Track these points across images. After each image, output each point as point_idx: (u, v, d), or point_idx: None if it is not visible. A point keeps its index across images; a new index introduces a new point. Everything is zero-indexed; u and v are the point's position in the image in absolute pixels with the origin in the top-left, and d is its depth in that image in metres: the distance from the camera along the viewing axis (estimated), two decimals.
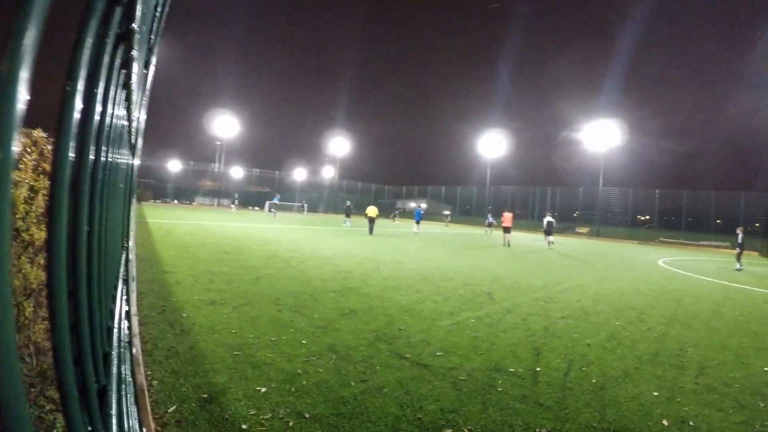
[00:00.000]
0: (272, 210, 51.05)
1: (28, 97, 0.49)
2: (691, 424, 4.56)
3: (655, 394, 5.28)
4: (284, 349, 5.34)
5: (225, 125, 77.53)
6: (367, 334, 6.32)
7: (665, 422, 4.52)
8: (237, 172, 76.89)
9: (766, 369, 6.74)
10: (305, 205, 63.66)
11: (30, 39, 0.49)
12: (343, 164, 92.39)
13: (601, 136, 61.55)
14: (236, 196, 58.25)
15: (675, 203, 56.12)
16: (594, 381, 5.47)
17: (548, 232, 29.93)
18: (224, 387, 4.19)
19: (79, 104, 0.84)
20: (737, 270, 23.12)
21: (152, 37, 2.71)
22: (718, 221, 53.74)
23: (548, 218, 30.41)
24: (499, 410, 4.33)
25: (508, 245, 28.86)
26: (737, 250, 24.08)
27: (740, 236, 24.12)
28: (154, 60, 3.27)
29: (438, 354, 5.80)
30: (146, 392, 3.68)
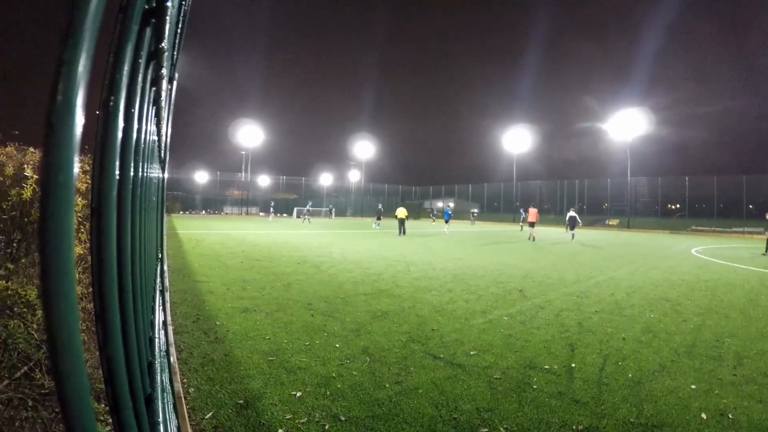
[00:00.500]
0: (306, 216, 51.21)
1: (83, 121, 0.52)
2: (730, 417, 4.48)
3: (693, 387, 5.21)
4: (318, 353, 5.39)
5: (250, 134, 78.30)
6: (400, 336, 6.34)
7: (704, 416, 4.45)
8: (264, 180, 77.22)
9: None
10: (332, 210, 63.30)
11: (83, 66, 0.52)
12: (368, 167, 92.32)
13: (626, 126, 60.79)
14: (273, 204, 57.79)
15: (705, 190, 54.47)
16: (630, 376, 5.43)
17: (571, 227, 30.23)
18: (260, 392, 4.24)
19: (120, 124, 0.88)
20: (763, 255, 22.95)
21: (175, 53, 2.76)
22: (750, 206, 51.87)
23: (571, 213, 30.89)
24: (535, 408, 4.32)
25: (533, 240, 29.11)
26: (767, 235, 23.83)
27: None
28: (176, 75, 3.33)
29: (472, 353, 5.80)
30: (183, 399, 3.74)
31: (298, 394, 4.24)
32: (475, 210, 65.32)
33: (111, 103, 0.83)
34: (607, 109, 66.14)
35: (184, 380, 4.40)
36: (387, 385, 4.54)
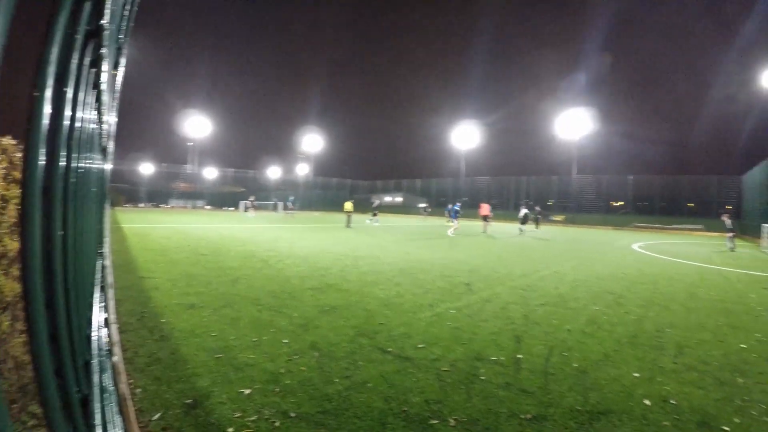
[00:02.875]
0: (289, 210, 51.28)
1: None
2: (672, 402, 4.63)
3: (636, 375, 5.35)
4: (266, 350, 5.30)
5: (197, 125, 76.35)
6: (348, 330, 6.31)
7: (647, 402, 4.60)
8: (211, 173, 75.46)
9: (743, 346, 6.86)
10: (293, 202, 57.26)
11: None
12: (317, 160, 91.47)
13: (573, 125, 63.57)
14: (253, 198, 54.60)
15: (648, 189, 58.17)
16: (575, 365, 5.54)
17: (523, 222, 30.78)
18: (208, 391, 4.14)
19: (48, 107, 0.81)
20: (731, 250, 24.04)
21: (121, 36, 2.65)
22: (690, 205, 55.53)
23: (524, 209, 31.49)
24: (484, 399, 4.36)
25: (486, 233, 29.88)
26: (729, 234, 24.93)
27: (728, 222, 24.94)
28: (123, 60, 3.19)
29: (420, 346, 5.81)
30: (130, 401, 3.63)
31: (247, 391, 4.15)
32: (424, 204, 65.49)
33: (38, 83, 0.77)
34: (555, 109, 67.78)
35: (130, 381, 4.27)
36: (336, 380, 4.50)
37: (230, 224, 30.54)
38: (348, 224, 31.70)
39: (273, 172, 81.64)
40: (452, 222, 27.43)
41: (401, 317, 7.23)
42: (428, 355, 5.52)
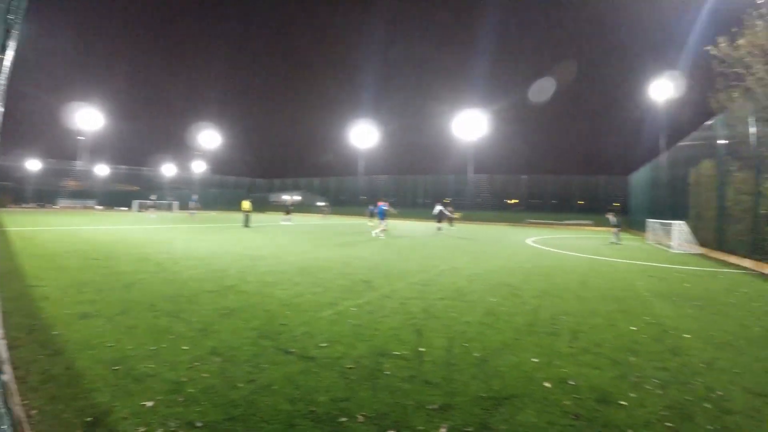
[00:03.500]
0: (192, 211, 49.04)
1: None
2: (571, 383, 4.93)
3: (535, 360, 5.62)
4: (166, 358, 5.13)
5: (87, 118, 70.47)
6: (249, 333, 6.22)
7: (548, 384, 4.85)
8: (102, 170, 70.60)
9: (632, 328, 7.35)
10: (193, 203, 53.29)
11: None
12: (214, 158, 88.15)
13: (469, 126, 66.11)
14: (195, 198, 51.74)
15: (540, 187, 63.22)
16: (476, 355, 5.73)
17: (439, 219, 31.11)
18: (108, 407, 3.95)
19: None
20: (616, 243, 26.00)
21: (11, 16, 2.49)
22: (580, 202, 60.75)
23: (439, 207, 32.46)
24: (390, 393, 4.43)
25: (384, 232, 30.05)
26: (614, 230, 27.22)
27: (612, 220, 27.39)
28: (13, 44, 2.95)
29: (323, 345, 5.83)
30: (26, 424, 3.46)
31: (150, 403, 4.00)
32: (323, 203, 65.29)
33: None
34: (453, 109, 70.03)
35: (25, 401, 4.04)
36: (240, 385, 4.43)
37: (123, 226, 29.23)
38: (246, 224, 31.16)
39: (168, 170, 77.95)
40: (379, 222, 26.37)
41: (302, 317, 7.21)
42: (332, 353, 5.54)
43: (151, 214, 45.97)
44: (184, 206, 61.33)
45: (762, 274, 14.98)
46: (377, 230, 27.30)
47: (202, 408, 3.96)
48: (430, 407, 4.17)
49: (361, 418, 3.88)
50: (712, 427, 4.07)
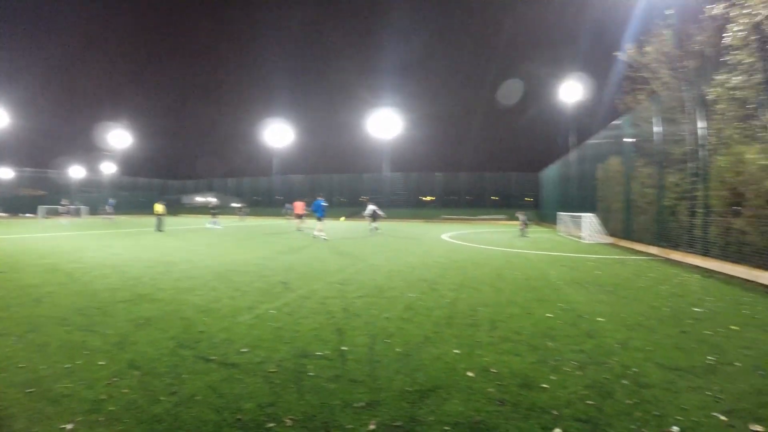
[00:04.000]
0: (109, 216, 46.76)
1: None
2: (493, 371, 5.08)
3: (456, 351, 5.74)
4: (82, 376, 4.87)
5: None
6: (168, 343, 6.03)
7: (470, 374, 4.97)
8: (5, 173, 65.09)
9: (548, 315, 7.64)
10: (109, 208, 51.40)
11: None
12: (124, 159, 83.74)
13: (384, 125, 66.98)
14: (66, 203, 48.60)
15: (455, 184, 66.05)
16: (399, 350, 5.79)
17: (373, 218, 30.85)
18: None
19: None
20: (524, 236, 27.12)
21: None
22: (493, 198, 63.72)
23: (372, 206, 31.64)
24: (316, 394, 4.42)
25: (301, 231, 30.21)
26: (521, 226, 28.36)
27: (522, 218, 28.62)
28: None
29: (243, 351, 5.73)
30: None
31: (69, 426, 3.78)
32: (239, 204, 63.90)
33: None
34: (369, 108, 70.97)
35: None
36: (162, 398, 4.29)
37: (31, 234, 27.61)
38: (159, 228, 30.19)
39: (76, 172, 73.05)
40: (317, 222, 24.21)
41: (221, 323, 7.07)
42: (253, 358, 5.46)
43: (63, 221, 43.08)
44: (94, 211, 58.78)
45: (668, 260, 15.86)
46: (316, 231, 25.32)
47: (124, 426, 3.79)
48: (357, 405, 4.18)
49: (289, 422, 3.84)
50: (631, 402, 4.29)
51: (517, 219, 28.72)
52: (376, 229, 31.20)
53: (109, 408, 4.10)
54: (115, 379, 4.78)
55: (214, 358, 5.47)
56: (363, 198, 50.53)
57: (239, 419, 3.89)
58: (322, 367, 5.17)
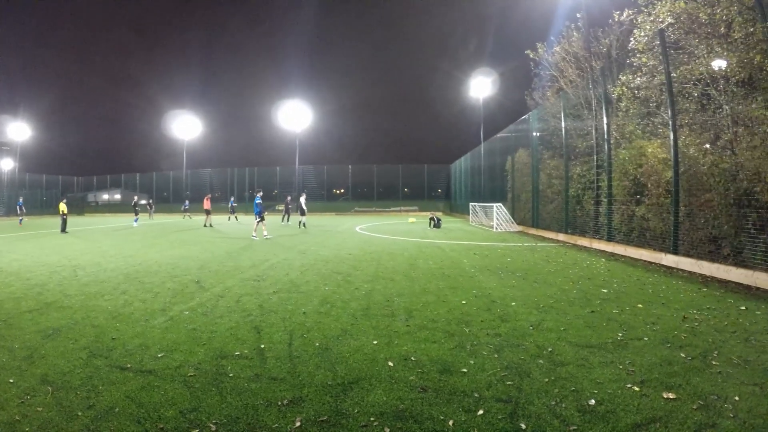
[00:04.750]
0: (21, 217, 42.31)
1: None
2: (413, 359, 5.22)
3: (375, 342, 5.88)
4: None
5: None
6: (80, 353, 5.78)
7: (391, 363, 5.09)
8: None
9: (463, 302, 7.87)
10: (21, 207, 45.14)
11: None
12: (24, 154, 78.41)
13: (294, 117, 66.03)
14: (20, 201, 43.58)
15: (366, 176, 66.79)
16: (317, 344, 5.87)
17: (302, 213, 30.26)
18: None
19: None
20: (436, 227, 27.39)
21: None
22: (405, 190, 65.25)
23: (301, 199, 31.28)
24: (237, 395, 4.40)
25: (211, 226, 30.07)
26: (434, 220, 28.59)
27: (435, 219, 28.75)
28: None
29: (159, 356, 5.61)
30: None
31: None
32: (149, 201, 61.59)
33: None
34: (278, 100, 70.37)
35: None
36: (79, 413, 4.10)
37: None
38: (63, 228, 28.71)
39: None
40: (256, 221, 21.57)
41: (134, 328, 6.87)
42: (170, 363, 5.35)
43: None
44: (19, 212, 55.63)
45: (575, 245, 16.64)
46: (256, 232, 22.50)
47: None
48: (281, 403, 4.19)
49: (213, 427, 3.80)
50: (548, 379, 4.53)
51: (434, 208, 29.28)
52: (304, 224, 30.84)
53: (24, 429, 3.87)
54: (27, 397, 4.51)
55: (129, 365, 5.31)
56: (273, 192, 50.30)
57: (162, 428, 3.80)
58: (242, 367, 5.14)
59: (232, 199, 45.60)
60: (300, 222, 31.20)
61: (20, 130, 73.88)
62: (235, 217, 43.61)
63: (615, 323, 6.54)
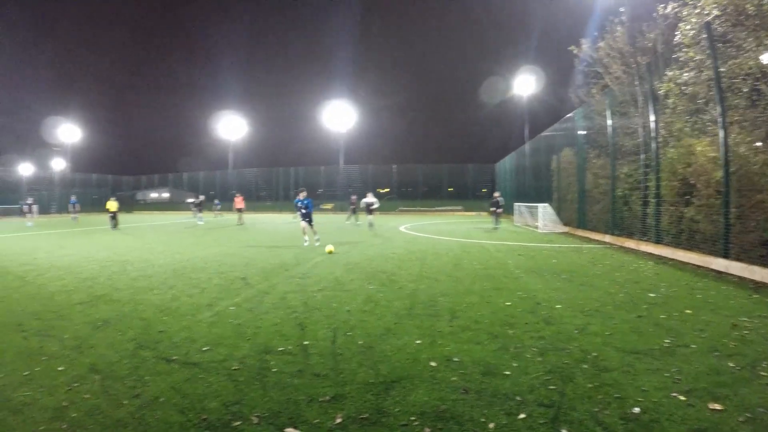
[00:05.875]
0: (74, 215, 43.17)
1: None
2: (455, 360, 5.16)
3: (418, 342, 5.82)
4: (42, 382, 4.75)
5: None
6: (127, 344, 5.93)
7: (433, 363, 5.04)
8: None
9: (508, 304, 7.78)
10: (73, 206, 45.06)
11: None
12: (75, 155, 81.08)
13: (339, 117, 66.83)
14: (31, 201, 44.38)
15: (411, 176, 65.49)
16: (361, 342, 5.85)
17: (369, 212, 28.53)
18: None
19: None
20: (495, 229, 26.36)
21: None
22: (450, 189, 64.11)
23: (371, 197, 28.95)
24: (280, 390, 4.42)
25: (242, 224, 32.08)
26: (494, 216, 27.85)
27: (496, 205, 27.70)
28: None
29: (205, 349, 5.70)
30: None
31: None
32: (195, 200, 61.97)
33: None
34: (323, 101, 71.06)
35: None
36: (125, 402, 4.22)
37: None
38: (113, 226, 29.43)
39: (24, 169, 68.48)
40: (300, 221, 19.34)
41: (181, 322, 7.00)
42: (215, 356, 5.43)
43: (28, 222, 39.65)
44: (45, 210, 56.85)
45: (621, 247, 16.24)
46: (307, 236, 18.70)
47: None
48: (323, 399, 4.20)
49: (255, 420, 3.83)
50: (592, 385, 4.40)
51: (485, 208, 28.43)
52: (371, 225, 28.16)
53: (72, 414, 4.01)
54: (75, 384, 4.68)
55: (175, 358, 5.42)
56: (318, 191, 50.69)
57: (205, 419, 3.86)
58: (286, 363, 5.17)
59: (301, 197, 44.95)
60: (368, 223, 28.31)
61: (71, 132, 76.60)
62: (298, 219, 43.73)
63: (662, 329, 6.34)
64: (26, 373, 5.07)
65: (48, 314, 7.65)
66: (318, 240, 18.37)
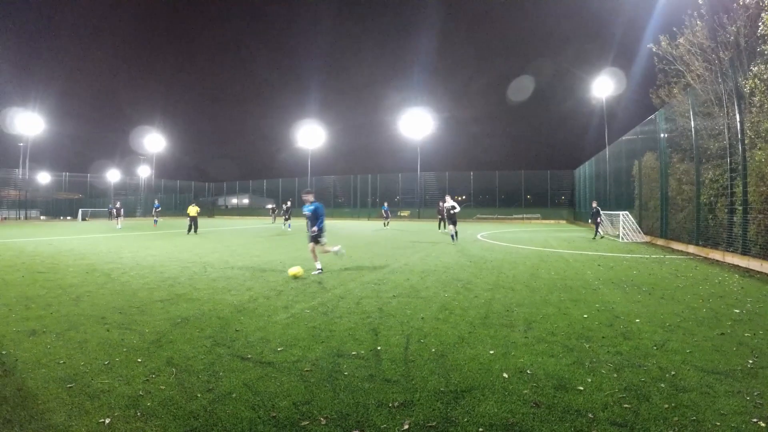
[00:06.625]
0: (156, 218, 46.38)
1: None
2: (528, 372, 5.02)
3: (491, 352, 5.70)
4: (120, 372, 4.97)
5: (26, 123, 63.49)
6: (204, 341, 6.12)
7: (506, 375, 4.93)
8: (44, 178, 67.37)
9: (585, 316, 7.53)
10: (157, 209, 48.01)
11: None
12: (159, 162, 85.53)
13: (416, 124, 66.98)
14: (119, 205, 43.95)
15: (488, 183, 65.58)
16: (433, 350, 5.78)
17: (451, 219, 27.40)
18: (65, 426, 3.77)
19: None
20: (593, 239, 25.34)
21: None
22: (528, 197, 63.50)
23: (450, 201, 26.56)
24: (350, 393, 4.43)
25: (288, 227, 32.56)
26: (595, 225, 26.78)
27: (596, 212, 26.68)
28: None
29: (279, 349, 5.79)
30: None
31: (107, 420, 3.85)
32: (275, 206, 63.27)
33: None
34: (400, 109, 71.66)
35: None
36: (199, 395, 4.35)
37: (67, 236, 28.29)
38: (193, 230, 30.37)
39: (113, 176, 74.88)
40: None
41: (257, 322, 7.15)
42: (289, 357, 5.50)
43: (117, 224, 41.05)
44: (131, 213, 59.42)
45: (706, 259, 15.53)
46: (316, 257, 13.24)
47: (161, 421, 3.84)
48: (392, 405, 4.17)
49: (323, 421, 3.85)
50: (668, 405, 4.18)
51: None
52: (456, 233, 23.87)
53: (146, 404, 4.17)
54: (152, 375, 4.88)
55: (250, 356, 5.53)
56: (396, 198, 51.01)
57: (274, 417, 3.92)
58: (357, 367, 5.18)
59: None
60: (451, 233, 23.56)
61: (156, 141, 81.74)
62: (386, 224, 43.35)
63: (746, 348, 5.97)
64: (106, 362, 5.32)
65: (130, 309, 7.99)
66: (341, 252, 13.71)
